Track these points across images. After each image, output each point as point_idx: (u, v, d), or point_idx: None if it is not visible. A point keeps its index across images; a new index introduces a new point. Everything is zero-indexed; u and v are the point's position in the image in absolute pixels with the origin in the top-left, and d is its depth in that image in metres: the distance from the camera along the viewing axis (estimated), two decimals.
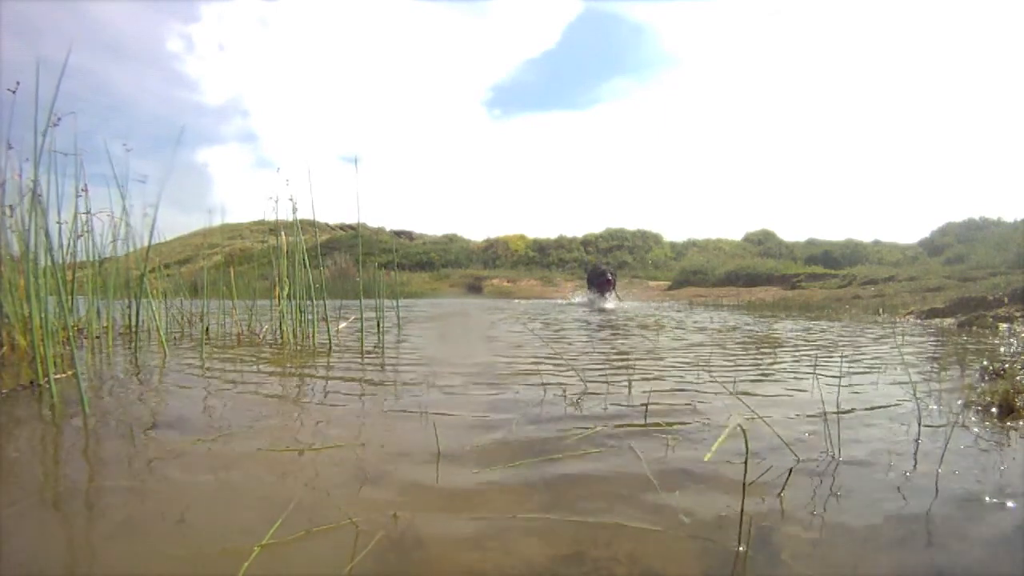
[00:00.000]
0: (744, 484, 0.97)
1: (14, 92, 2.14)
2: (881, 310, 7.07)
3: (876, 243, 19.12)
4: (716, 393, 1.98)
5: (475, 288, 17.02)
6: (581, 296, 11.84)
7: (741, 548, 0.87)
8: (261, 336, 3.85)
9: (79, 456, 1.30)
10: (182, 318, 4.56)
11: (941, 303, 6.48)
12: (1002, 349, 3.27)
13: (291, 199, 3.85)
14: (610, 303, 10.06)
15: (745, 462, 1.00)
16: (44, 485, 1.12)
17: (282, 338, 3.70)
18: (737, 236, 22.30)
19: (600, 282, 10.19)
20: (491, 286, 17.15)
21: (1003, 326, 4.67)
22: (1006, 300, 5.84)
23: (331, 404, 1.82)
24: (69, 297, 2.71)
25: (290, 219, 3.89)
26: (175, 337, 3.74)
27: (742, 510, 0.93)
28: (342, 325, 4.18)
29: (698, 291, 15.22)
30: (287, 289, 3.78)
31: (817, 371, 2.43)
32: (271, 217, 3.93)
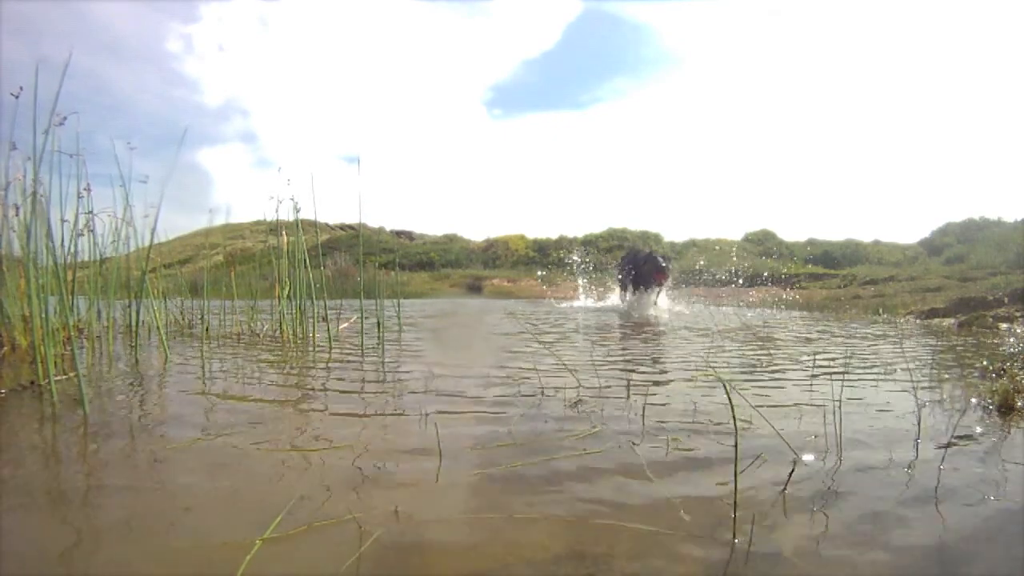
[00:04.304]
0: (736, 473, 0.97)
1: (17, 96, 2.14)
2: (881, 310, 7.07)
3: (876, 243, 19.09)
4: (716, 393, 1.98)
5: (475, 288, 17.00)
6: (584, 297, 10.16)
7: (742, 545, 0.88)
8: (261, 336, 3.85)
9: (80, 455, 1.30)
10: (183, 318, 4.56)
11: (941, 303, 6.48)
12: (1002, 349, 3.27)
13: (292, 199, 3.86)
14: (654, 306, 7.44)
15: (735, 458, 1.00)
16: (45, 483, 1.13)
17: (282, 338, 3.70)
18: (737, 236, 22.28)
19: (652, 272, 7.37)
20: (491, 286, 17.14)
21: (1003, 326, 4.67)
22: (1006, 300, 5.84)
23: (331, 403, 1.83)
24: (70, 297, 2.71)
25: (290, 219, 3.90)
26: (176, 337, 3.75)
27: (735, 504, 0.94)
28: (343, 326, 4.18)
29: (698, 291, 15.21)
30: (287, 289, 3.78)
31: (815, 368, 2.43)
32: (271, 217, 3.94)
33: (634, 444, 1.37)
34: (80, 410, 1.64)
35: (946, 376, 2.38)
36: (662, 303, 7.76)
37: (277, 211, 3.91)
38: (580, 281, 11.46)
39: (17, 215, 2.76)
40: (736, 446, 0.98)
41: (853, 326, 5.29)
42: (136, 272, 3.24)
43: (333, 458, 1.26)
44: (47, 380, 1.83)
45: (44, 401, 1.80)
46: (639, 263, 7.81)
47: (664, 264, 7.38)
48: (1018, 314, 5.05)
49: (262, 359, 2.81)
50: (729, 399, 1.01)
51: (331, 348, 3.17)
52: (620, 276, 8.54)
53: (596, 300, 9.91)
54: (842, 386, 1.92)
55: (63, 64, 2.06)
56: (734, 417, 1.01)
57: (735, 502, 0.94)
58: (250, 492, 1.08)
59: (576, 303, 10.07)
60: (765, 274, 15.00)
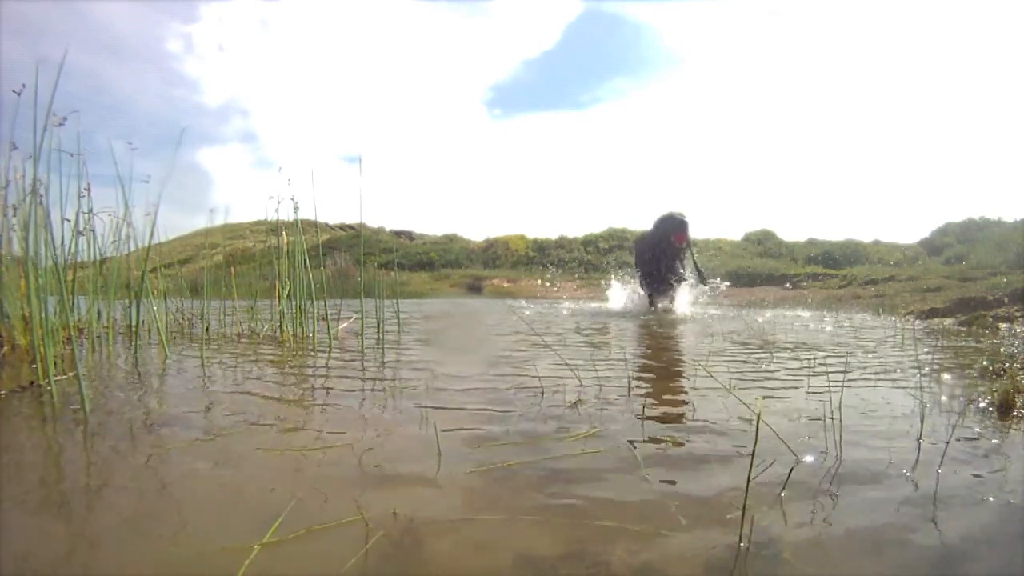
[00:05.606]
0: (748, 479, 0.97)
1: (19, 94, 2.14)
2: (881, 310, 7.07)
3: (876, 243, 19.07)
4: (715, 395, 1.98)
5: (475, 288, 17.00)
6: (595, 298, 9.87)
7: (743, 547, 0.88)
8: (261, 336, 3.85)
9: (79, 456, 1.30)
10: (183, 318, 4.56)
11: (941, 303, 6.48)
12: (1002, 349, 3.26)
13: (292, 199, 3.86)
14: (681, 302, 5.91)
15: (752, 457, 1.00)
16: (45, 485, 1.13)
17: (282, 338, 3.70)
18: (737, 236, 22.22)
19: (669, 234, 5.71)
20: (491, 286, 17.13)
21: (1003, 326, 4.67)
22: (1006, 300, 5.84)
23: (331, 404, 1.83)
24: (70, 297, 2.71)
25: (290, 219, 3.91)
26: (176, 337, 3.74)
27: (744, 508, 0.93)
28: (343, 325, 4.18)
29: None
30: (287, 289, 3.78)
31: (815, 368, 2.43)
32: (272, 217, 3.94)
33: (633, 445, 1.37)
34: (80, 410, 1.64)
35: (946, 376, 2.38)
36: (683, 300, 6.37)
37: (277, 211, 3.92)
38: (579, 281, 11.42)
39: (14, 215, 2.76)
40: (753, 454, 0.98)
41: (853, 326, 5.29)
42: (136, 272, 3.24)
43: (332, 459, 1.26)
44: (47, 380, 1.83)
45: (44, 401, 1.79)
46: (653, 232, 6.22)
47: (683, 220, 5.77)
48: (1018, 314, 5.05)
49: (262, 359, 2.81)
50: (758, 416, 1.01)
51: (331, 348, 3.17)
52: (636, 259, 7.31)
53: (597, 300, 9.87)
54: (842, 387, 1.92)
55: (61, 63, 2.05)
56: (757, 425, 1.01)
57: (744, 506, 0.94)
58: (249, 494, 1.08)
59: (577, 303, 10.03)
60: (765, 274, 15.00)
